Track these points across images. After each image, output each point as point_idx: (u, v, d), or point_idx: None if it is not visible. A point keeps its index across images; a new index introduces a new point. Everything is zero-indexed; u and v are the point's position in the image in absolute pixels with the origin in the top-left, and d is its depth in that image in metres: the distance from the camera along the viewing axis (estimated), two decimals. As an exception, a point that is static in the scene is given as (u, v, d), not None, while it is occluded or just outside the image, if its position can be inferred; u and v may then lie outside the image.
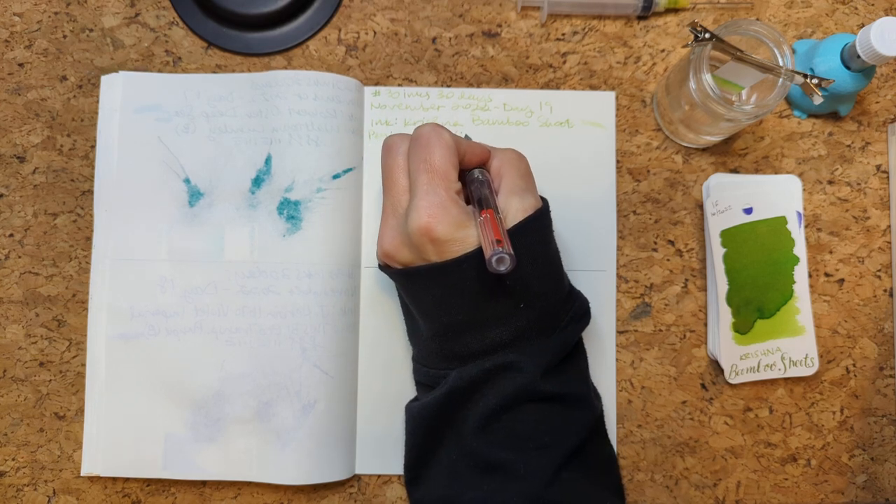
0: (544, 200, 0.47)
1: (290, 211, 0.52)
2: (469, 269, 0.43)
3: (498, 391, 0.45)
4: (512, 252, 0.40)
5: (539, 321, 0.45)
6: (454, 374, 0.45)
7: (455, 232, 0.43)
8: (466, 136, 0.51)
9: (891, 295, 0.55)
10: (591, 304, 0.49)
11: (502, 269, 0.40)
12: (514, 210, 0.44)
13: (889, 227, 0.55)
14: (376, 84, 0.55)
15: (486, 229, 0.41)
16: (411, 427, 0.48)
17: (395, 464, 0.53)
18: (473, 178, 0.46)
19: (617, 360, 0.54)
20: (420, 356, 0.49)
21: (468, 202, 0.45)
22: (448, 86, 0.56)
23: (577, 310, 0.48)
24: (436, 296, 0.45)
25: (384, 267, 0.48)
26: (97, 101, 0.55)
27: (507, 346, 0.45)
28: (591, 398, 0.48)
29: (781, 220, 0.54)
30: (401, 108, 0.55)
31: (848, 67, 0.51)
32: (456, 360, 0.46)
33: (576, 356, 0.48)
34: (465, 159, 0.46)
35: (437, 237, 0.43)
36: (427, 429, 0.47)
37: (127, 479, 0.53)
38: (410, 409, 0.49)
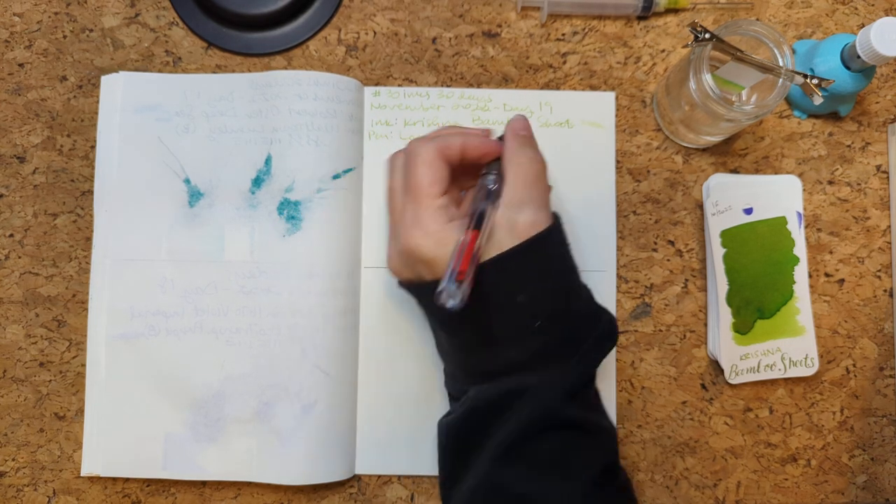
0: (555, 216, 0.44)
1: (290, 211, 0.52)
2: None
3: (517, 418, 0.43)
4: (467, 289, 0.38)
5: (556, 344, 0.43)
6: (472, 392, 0.44)
7: (438, 250, 0.41)
8: (490, 131, 0.47)
9: (891, 295, 0.55)
10: None
11: (449, 305, 0.38)
12: (507, 228, 0.42)
13: (889, 227, 0.55)
14: (376, 84, 0.55)
15: (457, 256, 0.40)
16: (441, 444, 0.48)
17: (395, 464, 0.53)
18: (481, 184, 0.44)
19: (617, 360, 0.54)
20: (447, 367, 0.49)
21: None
22: (448, 86, 0.56)
23: (602, 332, 0.45)
24: (438, 312, 0.43)
25: (399, 281, 0.48)
26: (97, 101, 0.55)
27: (525, 369, 0.43)
28: (611, 423, 0.46)
29: (781, 221, 0.54)
30: (401, 109, 0.55)
31: (848, 68, 0.51)
32: (477, 376, 0.45)
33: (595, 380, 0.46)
34: (467, 157, 0.44)
35: (423, 257, 0.42)
36: (451, 450, 0.46)
37: (127, 480, 0.53)
38: (440, 425, 0.48)
